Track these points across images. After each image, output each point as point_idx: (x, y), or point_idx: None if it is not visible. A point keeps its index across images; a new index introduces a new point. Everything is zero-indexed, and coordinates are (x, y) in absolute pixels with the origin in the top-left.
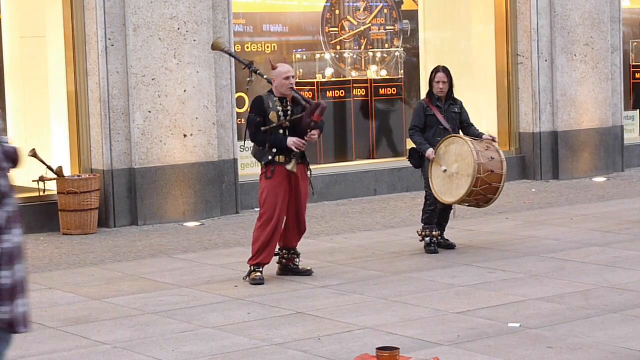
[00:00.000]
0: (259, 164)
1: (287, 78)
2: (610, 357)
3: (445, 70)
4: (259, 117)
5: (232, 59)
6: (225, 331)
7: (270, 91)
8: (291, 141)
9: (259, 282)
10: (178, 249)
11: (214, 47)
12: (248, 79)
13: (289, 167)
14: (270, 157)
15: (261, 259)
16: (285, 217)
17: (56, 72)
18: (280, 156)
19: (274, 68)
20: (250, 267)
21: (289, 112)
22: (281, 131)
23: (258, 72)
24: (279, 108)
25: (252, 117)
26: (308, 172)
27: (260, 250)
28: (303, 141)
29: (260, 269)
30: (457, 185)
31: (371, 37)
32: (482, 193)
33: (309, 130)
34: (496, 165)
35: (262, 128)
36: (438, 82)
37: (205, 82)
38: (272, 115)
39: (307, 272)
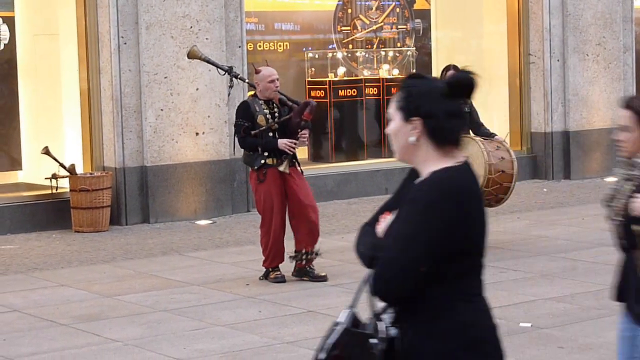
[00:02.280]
0: (250, 168)
1: (272, 81)
2: None
3: (457, 69)
4: (247, 122)
5: (242, 69)
6: (237, 329)
7: (255, 95)
8: (282, 143)
9: (280, 280)
10: (189, 247)
11: (190, 55)
12: (229, 84)
13: (281, 168)
14: (262, 162)
15: (277, 262)
16: (291, 218)
17: (69, 70)
18: (272, 159)
19: (257, 72)
20: (268, 268)
21: (276, 115)
22: (270, 134)
23: (239, 76)
24: (266, 111)
25: (240, 123)
26: (286, 168)
27: (272, 253)
28: (294, 142)
29: (278, 268)
30: None
31: (383, 36)
32: (493, 193)
33: (299, 130)
34: (507, 165)
35: (252, 132)
36: None
37: (217, 81)
38: (260, 119)
39: (322, 279)
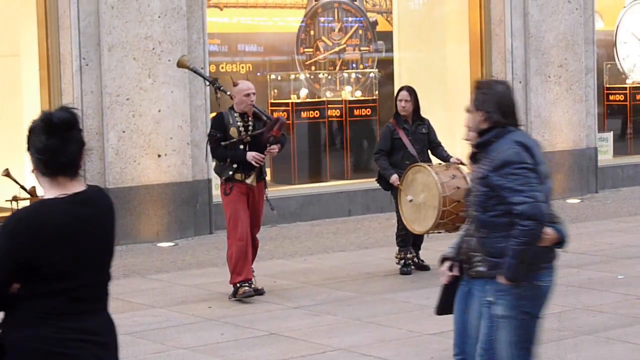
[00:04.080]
0: (220, 179)
1: (247, 95)
2: None
3: (410, 89)
4: (220, 133)
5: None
6: (199, 352)
7: (232, 107)
8: (250, 155)
9: (249, 294)
10: (151, 269)
11: (180, 64)
12: (217, 96)
13: (248, 180)
14: (230, 173)
15: (244, 276)
16: None
17: (30, 91)
18: (240, 174)
19: (235, 85)
20: (236, 285)
21: (250, 128)
22: (242, 146)
23: (222, 89)
24: (240, 124)
25: (212, 133)
26: (265, 191)
27: (240, 267)
28: (262, 155)
29: (247, 284)
30: (425, 216)
31: (346, 58)
32: (450, 223)
33: (268, 145)
34: (463, 194)
35: (223, 143)
36: (401, 100)
37: (180, 102)
38: (233, 131)
39: (259, 292)
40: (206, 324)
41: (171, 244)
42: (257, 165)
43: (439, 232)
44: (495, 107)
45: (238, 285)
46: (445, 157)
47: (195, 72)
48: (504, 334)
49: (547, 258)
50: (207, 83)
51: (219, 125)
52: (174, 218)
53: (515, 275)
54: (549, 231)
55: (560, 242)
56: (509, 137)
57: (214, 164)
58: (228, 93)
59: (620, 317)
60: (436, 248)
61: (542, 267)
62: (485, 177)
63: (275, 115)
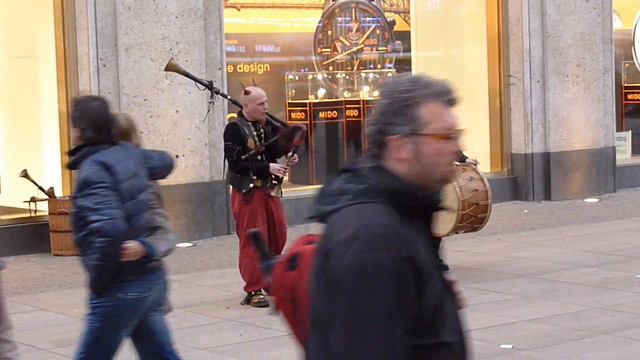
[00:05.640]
0: (232, 188)
1: (261, 103)
2: None
3: None
4: (237, 145)
5: (215, 84)
6: (217, 353)
7: (241, 114)
8: (275, 168)
9: (264, 304)
10: (170, 269)
11: (169, 68)
12: (209, 100)
13: (273, 192)
14: (251, 186)
15: (260, 286)
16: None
17: (48, 92)
18: (259, 180)
19: (246, 93)
20: (250, 293)
21: (262, 136)
22: (259, 157)
23: (220, 92)
24: (254, 133)
25: (230, 147)
26: (280, 194)
27: (256, 277)
28: (285, 167)
29: (261, 293)
30: (442, 219)
31: (364, 58)
32: (468, 225)
33: (288, 154)
34: (481, 196)
35: (243, 157)
36: None
37: (197, 103)
38: (250, 143)
39: None
40: (225, 324)
41: (189, 244)
42: (282, 177)
43: (456, 233)
44: (90, 124)
45: (252, 293)
46: (461, 158)
47: (187, 75)
48: (84, 333)
49: (133, 271)
50: (202, 87)
51: (235, 138)
52: (192, 219)
53: (96, 287)
54: (133, 245)
55: (147, 255)
56: (93, 156)
57: (226, 172)
58: (228, 97)
59: (638, 316)
60: (455, 248)
61: (128, 280)
62: (74, 197)
63: (286, 121)
